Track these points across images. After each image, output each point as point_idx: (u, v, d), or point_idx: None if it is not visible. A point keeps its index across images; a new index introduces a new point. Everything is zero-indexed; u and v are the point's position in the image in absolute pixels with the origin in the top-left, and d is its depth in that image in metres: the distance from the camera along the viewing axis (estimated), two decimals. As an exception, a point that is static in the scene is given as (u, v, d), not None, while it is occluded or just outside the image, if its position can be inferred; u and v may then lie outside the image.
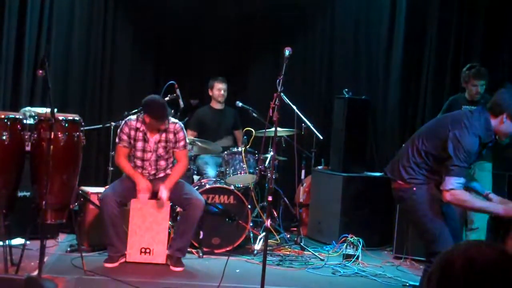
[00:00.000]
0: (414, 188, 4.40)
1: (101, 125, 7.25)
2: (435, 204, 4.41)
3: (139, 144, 6.01)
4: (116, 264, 5.85)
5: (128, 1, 8.54)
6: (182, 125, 6.20)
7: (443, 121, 4.49)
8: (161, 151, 6.05)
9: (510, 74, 6.68)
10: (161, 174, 6.13)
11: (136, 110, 6.49)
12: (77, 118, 5.52)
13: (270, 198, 4.77)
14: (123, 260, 5.92)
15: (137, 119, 6.02)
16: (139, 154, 6.04)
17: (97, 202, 6.09)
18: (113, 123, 6.90)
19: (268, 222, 4.73)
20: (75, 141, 5.43)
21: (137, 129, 6.00)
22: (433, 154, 4.37)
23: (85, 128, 5.73)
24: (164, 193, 5.90)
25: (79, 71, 8.13)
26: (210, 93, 7.85)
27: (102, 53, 8.26)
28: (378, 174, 7.65)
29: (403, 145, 4.86)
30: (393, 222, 6.98)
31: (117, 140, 6.07)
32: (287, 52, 4.94)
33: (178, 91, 6.72)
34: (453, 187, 4.19)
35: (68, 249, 6.23)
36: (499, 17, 7.01)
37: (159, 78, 8.48)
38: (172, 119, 6.12)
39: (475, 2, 7.23)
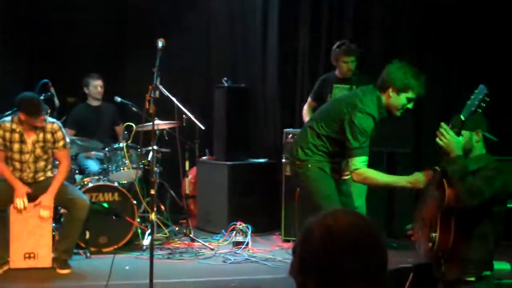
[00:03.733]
0: (309, 165, 4.54)
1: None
2: (328, 181, 4.55)
3: (16, 146, 5.81)
4: (-1, 272, 5.66)
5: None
6: (60, 124, 6.05)
7: (338, 105, 4.63)
8: (39, 151, 5.87)
9: (382, 54, 6.91)
10: (41, 177, 5.95)
11: (10, 112, 6.26)
12: None
13: (152, 192, 4.74)
14: (6, 267, 5.73)
15: (12, 121, 5.82)
16: (16, 156, 5.83)
17: (-27, 210, 5.85)
18: (-13, 126, 6.64)
19: (152, 215, 4.70)
20: None
21: (12, 131, 5.80)
22: (332, 137, 4.52)
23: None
24: (45, 213, 5.77)
25: None
26: (86, 91, 7.68)
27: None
28: (262, 160, 7.75)
29: (301, 129, 4.99)
30: (280, 207, 7.08)
31: None
32: (160, 43, 4.94)
33: (52, 89, 6.51)
34: (357, 167, 4.34)
35: None
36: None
37: (32, 77, 8.15)
38: (50, 119, 5.96)
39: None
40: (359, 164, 4.37)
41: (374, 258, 1.72)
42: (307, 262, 1.73)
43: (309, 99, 6.91)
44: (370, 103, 4.41)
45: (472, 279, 3.69)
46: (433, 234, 3.66)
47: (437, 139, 3.69)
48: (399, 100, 4.38)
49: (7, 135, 5.79)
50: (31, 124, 5.77)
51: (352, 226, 1.73)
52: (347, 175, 4.81)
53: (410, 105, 4.42)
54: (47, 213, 5.78)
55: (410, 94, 4.36)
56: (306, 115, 6.82)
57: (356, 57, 6.50)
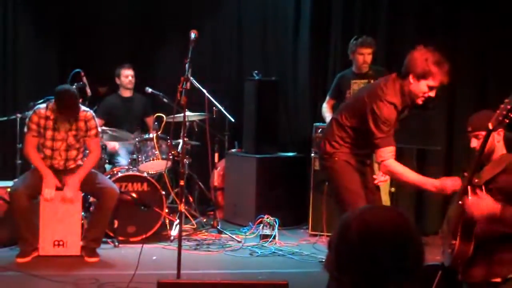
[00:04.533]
0: (336, 158, 4.51)
1: (6, 117, 7.02)
2: (353, 175, 4.52)
3: (49, 133, 5.84)
4: (28, 259, 5.70)
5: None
6: (93, 113, 6.08)
7: (360, 94, 4.58)
8: (71, 140, 5.90)
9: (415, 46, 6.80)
10: (72, 165, 5.99)
11: (42, 100, 6.32)
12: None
13: (182, 183, 4.73)
14: (35, 254, 5.78)
15: (46, 108, 5.84)
16: (48, 143, 5.87)
17: (5, 197, 5.91)
18: (19, 115, 6.71)
19: (181, 206, 4.70)
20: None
21: (47, 118, 5.82)
22: (357, 128, 4.48)
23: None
24: (68, 192, 5.80)
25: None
26: (118, 82, 7.70)
27: (3, 41, 7.99)
28: (291, 154, 7.72)
29: (328, 122, 4.98)
30: (308, 201, 7.06)
31: (25, 129, 5.87)
32: (192, 35, 4.93)
33: (84, 79, 6.56)
34: (383, 158, 4.30)
35: (-22, 246, 6.03)
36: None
37: (65, 66, 8.23)
38: (83, 107, 6.00)
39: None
40: (385, 155, 4.30)
41: (411, 254, 1.71)
42: (343, 257, 1.72)
43: (327, 98, 6.90)
44: (392, 91, 4.33)
45: (498, 280, 3.64)
46: (453, 242, 3.61)
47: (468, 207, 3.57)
48: (419, 87, 4.26)
49: (42, 122, 5.82)
50: (65, 118, 5.82)
51: (390, 222, 1.71)
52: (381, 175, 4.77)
53: (431, 93, 4.29)
54: (70, 192, 5.80)
55: (430, 82, 4.23)
56: (326, 113, 6.80)
57: (372, 50, 6.47)
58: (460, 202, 3.66)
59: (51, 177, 5.80)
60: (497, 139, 3.72)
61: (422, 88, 4.26)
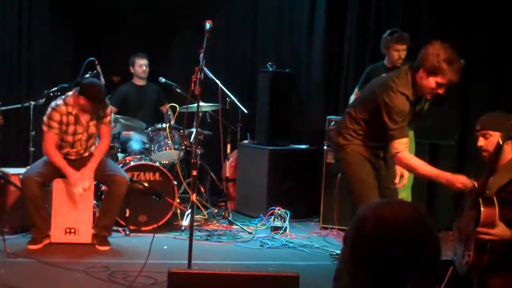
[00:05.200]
0: (348, 149, 4.50)
1: (20, 105, 7.03)
2: (366, 166, 4.50)
3: (71, 128, 5.81)
4: (40, 246, 5.73)
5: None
6: (108, 100, 6.09)
7: (372, 87, 4.55)
8: (92, 129, 5.91)
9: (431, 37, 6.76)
10: (86, 153, 6.00)
11: (56, 88, 6.33)
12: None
13: (194, 173, 4.72)
14: (47, 241, 5.80)
15: (65, 104, 5.78)
16: (69, 138, 5.84)
17: (18, 183, 5.93)
18: (32, 102, 6.72)
19: (193, 196, 4.70)
20: (-8, 121, 5.25)
21: (68, 113, 5.78)
22: (368, 120, 4.46)
23: (3, 108, 5.54)
24: (85, 183, 5.79)
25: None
26: (132, 70, 7.74)
27: (18, 29, 8.01)
28: (303, 146, 7.72)
29: (342, 115, 4.96)
30: (319, 193, 7.05)
31: (45, 128, 5.77)
32: (207, 25, 4.90)
33: (98, 67, 6.56)
34: (398, 150, 4.27)
35: (-10, 232, 6.06)
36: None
37: (79, 54, 8.24)
38: None
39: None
40: (400, 146, 4.28)
41: (428, 250, 1.69)
42: (359, 252, 1.70)
43: (355, 90, 6.81)
44: (404, 82, 4.30)
45: None
46: (467, 253, 3.58)
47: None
48: (428, 82, 4.22)
49: (64, 118, 5.78)
50: (88, 109, 5.80)
51: (406, 218, 1.69)
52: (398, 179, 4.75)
53: (439, 90, 4.24)
54: (86, 183, 5.80)
55: (439, 79, 4.18)
56: None
57: (407, 46, 6.41)
58: (471, 213, 3.64)
59: (75, 175, 5.78)
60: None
61: (430, 84, 4.23)
